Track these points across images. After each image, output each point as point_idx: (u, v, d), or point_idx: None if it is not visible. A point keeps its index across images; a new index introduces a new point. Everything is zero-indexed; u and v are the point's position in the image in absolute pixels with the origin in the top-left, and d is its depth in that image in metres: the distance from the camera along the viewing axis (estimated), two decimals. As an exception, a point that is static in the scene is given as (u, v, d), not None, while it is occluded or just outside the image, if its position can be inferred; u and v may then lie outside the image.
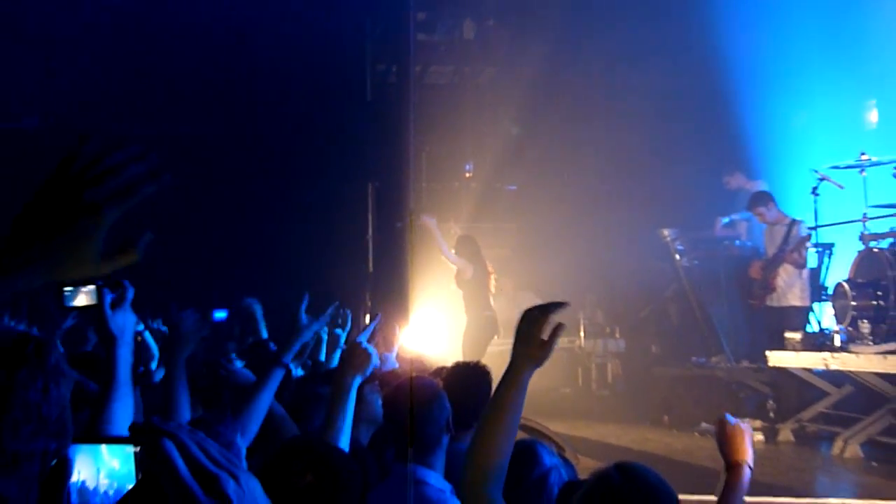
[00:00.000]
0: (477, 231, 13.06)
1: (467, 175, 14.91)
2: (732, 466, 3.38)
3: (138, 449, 1.22)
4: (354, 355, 3.93)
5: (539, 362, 2.84)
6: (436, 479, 3.98)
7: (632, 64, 13.02)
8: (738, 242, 12.06)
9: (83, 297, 3.21)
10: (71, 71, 14.94)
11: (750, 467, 3.39)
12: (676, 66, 13.08)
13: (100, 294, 2.89)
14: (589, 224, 13.27)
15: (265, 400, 4.15)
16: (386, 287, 13.23)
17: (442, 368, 5.46)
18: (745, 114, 13.08)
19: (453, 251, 11.76)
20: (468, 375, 5.27)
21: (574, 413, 11.68)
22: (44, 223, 1.43)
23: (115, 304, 2.89)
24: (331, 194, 13.51)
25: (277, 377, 4.21)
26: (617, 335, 14.63)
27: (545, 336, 2.81)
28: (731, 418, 3.50)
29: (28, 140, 14.77)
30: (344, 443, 3.81)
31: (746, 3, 13.00)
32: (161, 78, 13.87)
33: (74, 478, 1.28)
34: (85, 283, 3.28)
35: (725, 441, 3.45)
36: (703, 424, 10.94)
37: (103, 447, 1.27)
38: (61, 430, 1.28)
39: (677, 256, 12.29)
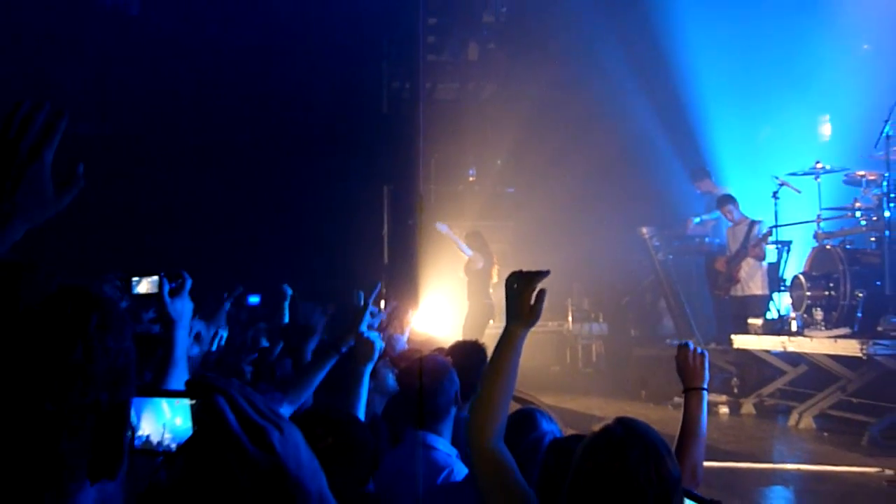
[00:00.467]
0: (479, 228, 13.15)
1: (471, 179, 14.95)
2: (691, 391, 3.38)
3: (194, 403, 1.20)
4: (360, 345, 3.92)
5: (529, 325, 2.81)
6: (443, 445, 3.97)
7: (614, 84, 13.06)
8: (707, 239, 12.08)
9: (146, 286, 3.33)
10: (125, 84, 14.96)
11: (705, 390, 3.38)
12: (654, 86, 13.12)
13: (161, 283, 2.90)
14: (577, 222, 13.33)
15: (317, 379, 4.18)
16: (399, 276, 13.25)
17: (441, 349, 5.37)
18: (715, 127, 13.17)
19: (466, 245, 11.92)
20: (467, 352, 5.20)
21: (562, 388, 11.68)
22: (7, 181, 1.51)
23: (175, 292, 2.88)
24: (351, 195, 13.52)
25: (332, 362, 4.17)
26: (600, 320, 14.70)
27: (532, 302, 2.79)
28: (691, 344, 3.51)
29: (84, 144, 14.87)
30: (360, 413, 3.85)
31: (719, 32, 13.04)
32: (206, 94, 13.89)
33: (140, 432, 1.26)
34: (148, 274, 3.39)
35: (685, 366, 3.43)
36: (676, 399, 11.08)
37: (164, 405, 1.23)
38: (126, 380, 1.21)
39: (654, 251, 12.27)
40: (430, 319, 11.19)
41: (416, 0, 12.76)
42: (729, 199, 11.30)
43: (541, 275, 2.85)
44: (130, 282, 3.18)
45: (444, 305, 12.42)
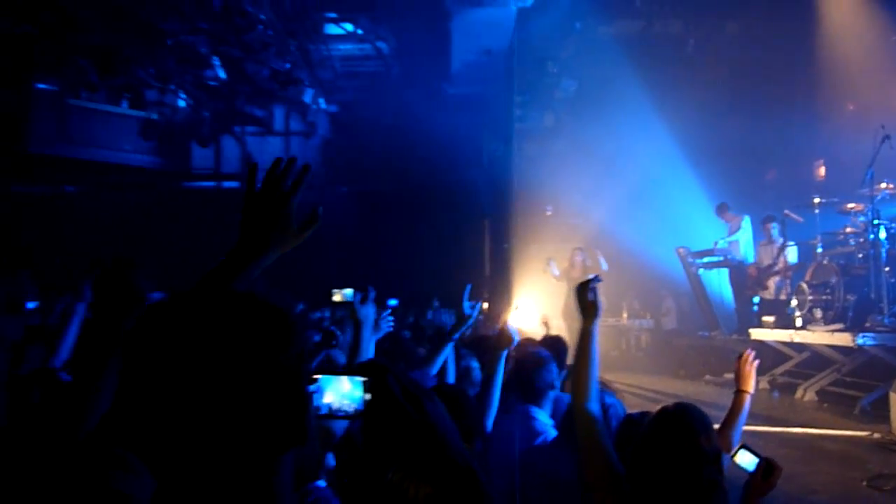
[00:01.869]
0: (555, 250, 13.15)
1: (548, 214, 14.97)
2: (737, 392, 3.36)
3: (366, 379, 1.20)
4: (503, 336, 3.78)
5: (595, 317, 2.84)
6: (542, 416, 3.95)
7: (657, 141, 12.92)
8: (729, 256, 11.72)
9: (339, 296, 3.43)
10: (307, 151, 15.40)
11: (750, 394, 3.35)
12: (688, 142, 12.93)
13: (353, 295, 2.91)
14: (630, 244, 13.19)
15: (440, 359, 4.18)
16: (497, 285, 13.33)
17: (531, 341, 5.15)
18: (733, 170, 12.87)
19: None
20: (553, 343, 5.23)
21: (619, 368, 11.56)
22: (267, 219, 1.49)
23: (362, 301, 2.90)
24: (462, 227, 13.64)
25: (448, 346, 4.21)
26: (648, 317, 14.57)
27: (591, 299, 2.84)
28: (748, 354, 3.45)
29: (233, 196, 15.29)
30: (497, 396, 3.76)
31: (738, 99, 12.84)
32: (358, 157, 14.32)
33: (325, 399, 1.25)
34: (343, 288, 3.43)
35: (737, 373, 3.41)
36: (707, 377, 10.84)
37: (345, 380, 1.21)
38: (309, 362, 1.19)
39: (688, 265, 12.08)
40: (522, 317, 11.13)
41: (509, 84, 12.87)
42: (771, 219, 10.96)
43: (593, 280, 2.89)
44: (331, 293, 3.31)
45: (531, 307, 12.41)
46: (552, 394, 4.06)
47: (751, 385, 3.38)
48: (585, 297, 2.88)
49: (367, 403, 1.18)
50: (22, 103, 12.88)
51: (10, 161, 12.97)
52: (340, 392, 1.20)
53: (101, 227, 13.94)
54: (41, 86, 13.01)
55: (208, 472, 0.99)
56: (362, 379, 1.20)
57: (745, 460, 2.72)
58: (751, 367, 3.39)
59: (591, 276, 2.96)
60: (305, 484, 2.66)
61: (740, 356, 3.45)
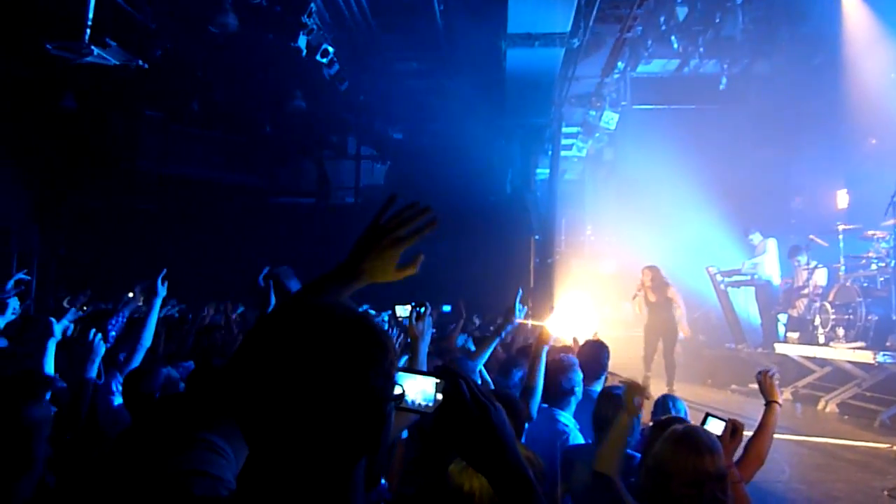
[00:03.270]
0: (595, 266, 13.05)
1: (588, 232, 14.83)
2: (767, 404, 3.31)
3: (439, 381, 1.20)
4: (543, 333, 3.77)
5: (634, 415, 2.82)
6: (565, 418, 3.93)
7: (688, 171, 12.68)
8: (755, 276, 11.45)
9: (401, 310, 3.42)
10: (373, 171, 15.73)
11: (779, 404, 3.32)
12: (720, 171, 12.71)
13: (411, 310, 2.87)
14: (663, 260, 12.98)
15: (487, 353, 4.21)
16: (540, 295, 13.29)
17: (567, 347, 5.20)
18: (759, 198, 12.59)
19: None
20: (594, 347, 5.13)
21: (654, 375, 11.32)
22: (374, 253, 1.44)
23: (419, 317, 2.85)
24: (511, 243, 13.60)
25: (495, 342, 4.26)
26: (678, 328, 14.23)
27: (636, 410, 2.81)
28: (772, 370, 3.43)
29: (347, 211, 15.64)
30: (540, 384, 3.71)
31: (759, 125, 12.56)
32: (420, 179, 14.34)
33: (407, 397, 1.25)
34: (403, 305, 3.44)
35: (764, 386, 3.36)
36: (733, 386, 10.56)
37: (420, 379, 1.22)
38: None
39: (717, 283, 11.83)
40: (562, 325, 10.98)
41: (556, 116, 12.85)
42: (797, 249, 10.64)
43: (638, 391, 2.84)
44: (394, 307, 3.36)
45: (571, 315, 12.30)
46: (574, 397, 4.02)
47: (778, 396, 3.35)
48: (626, 402, 2.83)
49: (438, 403, 1.19)
50: (133, 128, 13.39)
51: (122, 177, 13.48)
52: (414, 389, 1.22)
53: (195, 236, 14.40)
54: (150, 112, 13.50)
55: (290, 466, 0.99)
56: (436, 380, 1.21)
57: (715, 427, 2.82)
58: (773, 380, 3.37)
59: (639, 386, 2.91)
60: (373, 483, 2.72)
61: (763, 372, 3.39)
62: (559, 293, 12.92)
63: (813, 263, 10.27)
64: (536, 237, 13.64)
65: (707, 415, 2.94)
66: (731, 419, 2.85)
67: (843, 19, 11.41)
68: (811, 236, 10.18)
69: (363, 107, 13.49)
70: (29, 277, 4.19)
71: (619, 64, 12.57)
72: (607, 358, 4.98)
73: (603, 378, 4.78)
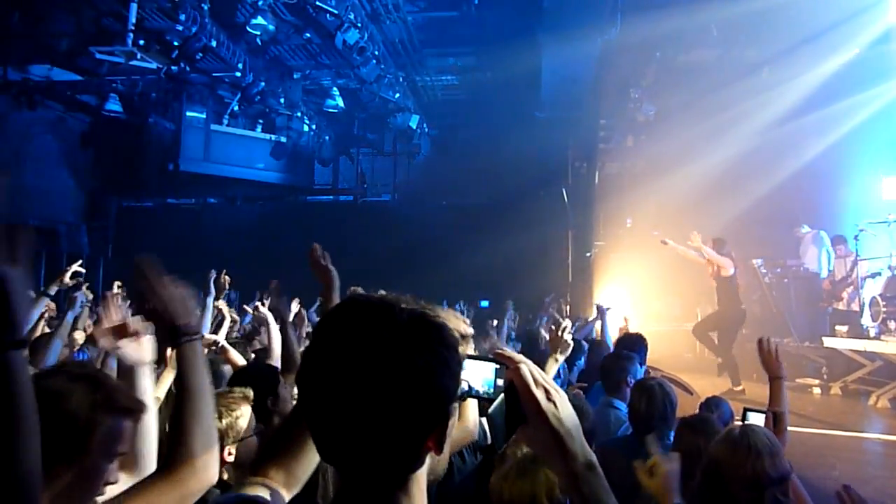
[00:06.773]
0: (633, 259, 12.87)
1: (628, 226, 14.64)
2: (772, 380, 3.07)
3: (499, 366, 1.19)
4: (559, 343, 3.36)
5: None
6: (622, 405, 4.04)
7: (729, 161, 12.43)
8: (801, 267, 11.21)
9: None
10: (411, 169, 15.80)
11: (783, 378, 3.07)
12: (754, 155, 12.45)
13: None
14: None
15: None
16: (578, 289, 13.23)
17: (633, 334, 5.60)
18: (806, 190, 12.27)
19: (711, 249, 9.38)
20: (632, 340, 5.35)
21: (693, 369, 11.07)
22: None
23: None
24: (548, 236, 13.58)
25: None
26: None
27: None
28: (770, 340, 3.14)
29: (385, 208, 15.76)
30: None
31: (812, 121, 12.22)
32: (456, 174, 14.47)
33: (471, 384, 1.24)
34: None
35: (763, 360, 3.11)
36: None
37: (483, 366, 1.21)
38: None
39: (761, 276, 11.62)
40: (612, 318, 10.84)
41: (594, 109, 12.72)
42: (842, 239, 10.43)
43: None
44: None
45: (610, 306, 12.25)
46: (627, 387, 4.08)
47: (779, 368, 3.07)
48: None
49: (499, 389, 1.18)
50: (175, 129, 13.68)
51: (165, 177, 13.81)
52: (477, 375, 1.21)
53: (236, 234, 14.66)
54: (191, 114, 13.78)
55: (356, 467, 0.99)
56: (496, 366, 1.20)
57: (756, 420, 2.72)
58: (771, 351, 3.09)
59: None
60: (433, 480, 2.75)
61: (759, 340, 3.14)
62: (598, 288, 12.83)
63: (853, 255, 9.98)
64: (574, 231, 13.53)
65: (745, 409, 2.84)
66: (773, 409, 2.78)
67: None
68: (861, 227, 9.84)
69: (399, 104, 13.55)
70: (84, 270, 4.23)
71: (657, 54, 12.35)
72: (645, 351, 5.21)
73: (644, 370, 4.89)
